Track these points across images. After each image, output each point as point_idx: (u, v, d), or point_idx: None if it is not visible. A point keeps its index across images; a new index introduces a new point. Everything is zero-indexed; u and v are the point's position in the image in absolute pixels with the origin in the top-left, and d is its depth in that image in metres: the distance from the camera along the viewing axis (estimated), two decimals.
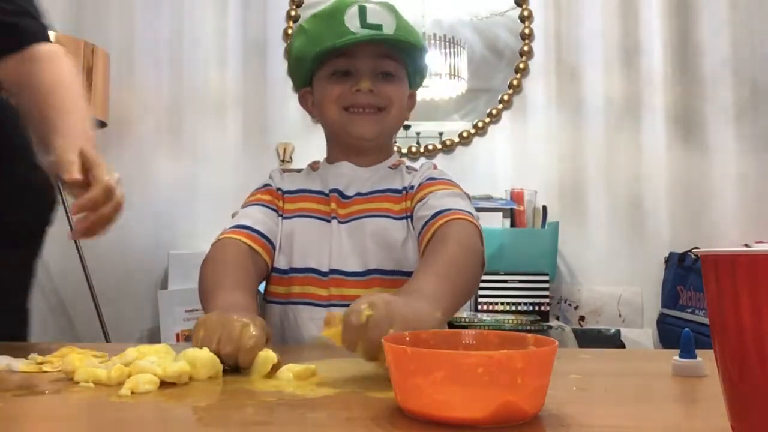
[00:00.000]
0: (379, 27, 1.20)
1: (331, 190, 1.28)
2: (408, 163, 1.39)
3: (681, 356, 0.85)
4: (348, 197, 1.27)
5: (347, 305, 1.19)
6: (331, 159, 1.34)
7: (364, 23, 1.20)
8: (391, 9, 1.23)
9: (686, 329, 0.87)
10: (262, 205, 1.28)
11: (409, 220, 1.24)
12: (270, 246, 1.23)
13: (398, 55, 1.26)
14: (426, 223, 1.16)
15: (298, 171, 1.39)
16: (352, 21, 1.20)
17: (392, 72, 1.25)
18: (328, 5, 1.25)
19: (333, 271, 1.21)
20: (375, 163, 1.32)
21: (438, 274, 1.02)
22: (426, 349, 0.67)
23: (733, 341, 0.49)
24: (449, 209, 1.16)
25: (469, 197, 1.27)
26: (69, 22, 2.90)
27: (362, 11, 1.21)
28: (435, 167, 1.35)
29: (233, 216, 1.28)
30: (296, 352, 1.03)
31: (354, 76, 1.24)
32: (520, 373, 0.59)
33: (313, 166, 1.37)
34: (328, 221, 1.26)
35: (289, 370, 0.81)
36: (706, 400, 0.75)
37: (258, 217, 1.25)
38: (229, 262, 1.17)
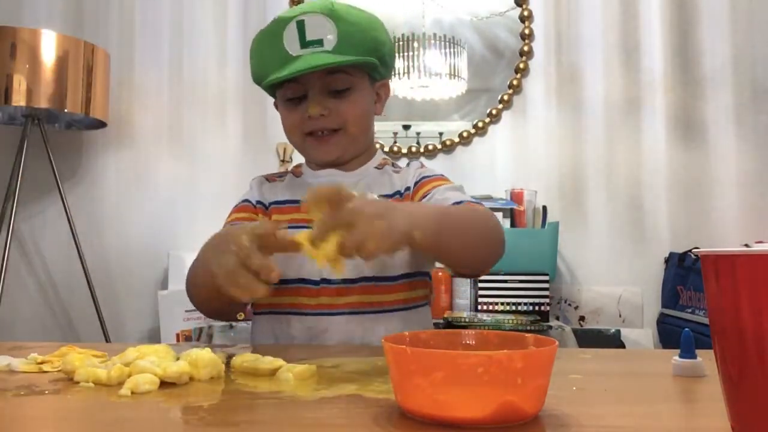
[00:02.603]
0: (319, 42, 1.17)
1: None
2: (392, 161, 1.37)
3: (681, 356, 0.85)
4: None
5: (334, 314, 1.19)
6: (313, 164, 1.33)
7: (303, 41, 1.17)
8: (331, 14, 1.19)
9: (686, 329, 0.87)
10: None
11: None
12: None
13: (349, 65, 1.21)
14: None
15: (281, 175, 1.37)
16: (291, 41, 1.18)
17: (344, 86, 1.22)
18: (272, 21, 1.22)
19: (324, 281, 1.20)
20: (359, 166, 1.31)
21: (435, 209, 1.04)
22: (426, 349, 0.67)
23: (733, 341, 0.50)
24: (461, 201, 1.17)
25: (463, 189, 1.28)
26: (69, 22, 2.90)
27: (300, 27, 1.17)
28: (422, 165, 1.34)
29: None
30: (296, 353, 1.03)
31: (306, 99, 1.22)
32: (520, 373, 0.58)
33: (296, 172, 1.36)
34: None
35: (289, 371, 0.81)
36: (706, 400, 0.75)
37: None
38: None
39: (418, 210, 0.99)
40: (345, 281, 1.20)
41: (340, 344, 1.17)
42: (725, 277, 0.50)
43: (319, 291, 1.20)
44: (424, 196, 1.22)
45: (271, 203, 1.30)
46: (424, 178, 1.27)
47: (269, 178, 1.36)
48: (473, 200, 1.19)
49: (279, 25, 1.20)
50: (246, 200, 1.32)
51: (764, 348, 0.47)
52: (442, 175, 1.29)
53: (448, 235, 1.01)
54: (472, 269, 1.18)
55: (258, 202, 1.30)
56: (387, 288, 1.21)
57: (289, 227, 1.23)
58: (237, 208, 1.31)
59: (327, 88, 1.21)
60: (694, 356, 0.85)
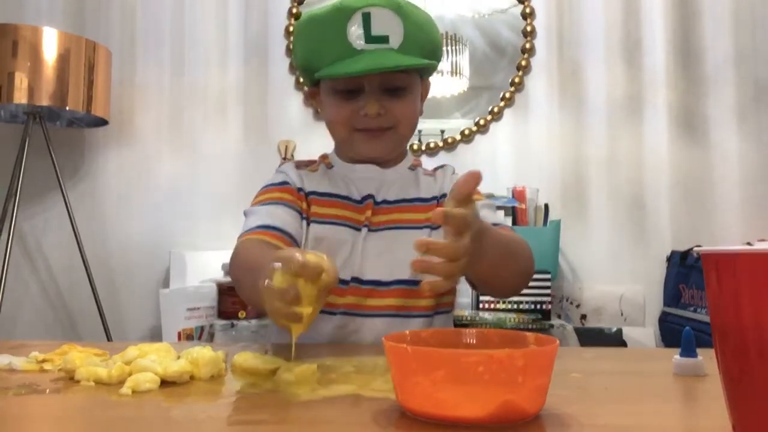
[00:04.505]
0: (385, 39, 1.12)
1: (365, 197, 1.23)
2: (423, 164, 1.35)
3: (682, 355, 0.85)
4: (378, 203, 1.23)
5: (366, 315, 1.17)
6: (346, 157, 1.28)
7: (369, 36, 1.11)
8: (398, 9, 1.14)
9: (687, 328, 0.87)
10: (285, 205, 1.20)
11: (431, 230, 1.20)
12: None
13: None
14: None
15: (309, 164, 1.31)
16: (355, 34, 1.12)
17: (401, 85, 1.18)
18: (329, 6, 1.15)
19: (354, 280, 1.17)
20: (395, 164, 1.28)
21: (499, 238, 0.99)
22: (427, 347, 0.67)
23: (734, 340, 0.49)
24: (498, 224, 1.16)
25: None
26: (71, 19, 2.90)
27: (366, 20, 1.12)
28: (455, 171, 1.31)
29: (246, 214, 1.21)
30: (296, 353, 1.02)
31: (360, 93, 1.17)
32: (521, 371, 0.58)
33: (325, 162, 1.31)
34: (358, 230, 1.20)
35: (289, 370, 0.80)
36: (707, 399, 0.75)
37: (285, 218, 1.17)
38: (256, 246, 1.09)
39: (485, 250, 0.91)
40: (378, 283, 1.17)
41: (373, 345, 1.15)
42: (726, 276, 0.49)
43: (347, 291, 1.16)
44: None
45: (309, 192, 1.24)
46: None
47: (299, 165, 1.30)
48: (506, 225, 1.19)
49: (342, 13, 1.13)
50: (286, 182, 1.25)
51: (765, 347, 0.47)
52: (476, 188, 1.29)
53: (497, 274, 1.02)
54: (501, 295, 1.18)
55: (299, 188, 1.24)
56: (420, 292, 1.19)
57: (330, 222, 1.20)
58: (278, 188, 1.24)
59: (383, 86, 1.17)
60: (694, 355, 0.85)
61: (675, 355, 0.86)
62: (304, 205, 1.23)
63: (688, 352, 0.85)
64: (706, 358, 0.79)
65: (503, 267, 1.02)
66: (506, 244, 1.03)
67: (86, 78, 2.51)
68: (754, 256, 0.47)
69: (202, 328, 2.40)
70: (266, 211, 1.18)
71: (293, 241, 1.15)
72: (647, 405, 0.71)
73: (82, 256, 2.58)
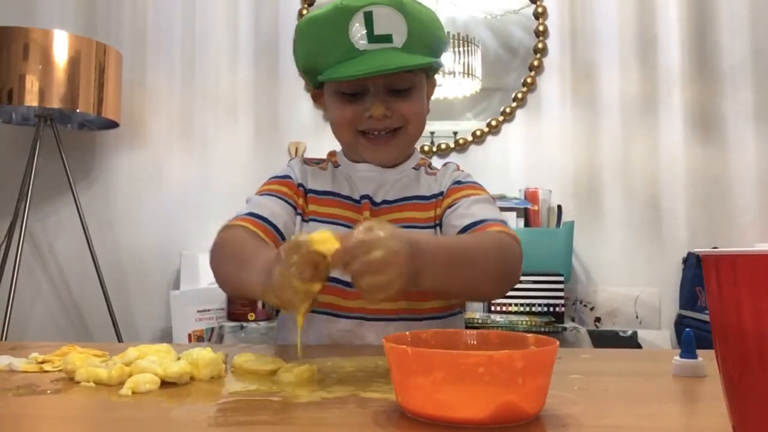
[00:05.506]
0: (388, 38, 1.10)
1: (362, 197, 1.21)
2: (429, 162, 1.33)
3: (682, 356, 0.86)
4: (377, 204, 1.21)
5: (373, 319, 1.15)
6: (352, 156, 1.27)
7: (371, 36, 1.09)
8: (401, 7, 1.12)
9: (687, 329, 0.87)
10: (280, 198, 1.20)
11: (437, 228, 1.20)
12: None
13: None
14: (459, 232, 1.12)
15: (318, 162, 1.30)
16: (357, 34, 1.10)
17: (407, 85, 1.16)
18: (329, 6, 1.13)
19: None
20: (400, 163, 1.26)
21: (446, 252, 0.95)
22: (427, 349, 0.67)
23: (734, 341, 0.49)
24: (484, 220, 1.12)
25: (494, 201, 1.23)
26: (81, 21, 2.92)
27: (368, 19, 1.09)
28: (458, 168, 1.30)
29: (247, 201, 1.21)
30: (297, 353, 1.02)
31: (365, 95, 1.15)
32: (521, 373, 0.58)
33: (332, 160, 1.30)
34: None
35: (289, 371, 0.80)
36: (707, 400, 0.75)
37: (275, 210, 1.17)
38: (247, 240, 1.09)
39: (427, 256, 0.90)
40: None
41: (373, 347, 1.13)
42: (726, 277, 0.49)
43: (350, 294, 1.14)
44: (451, 206, 1.18)
45: (309, 190, 1.23)
46: (456, 183, 1.23)
47: (308, 162, 1.29)
48: (495, 220, 1.13)
49: (343, 13, 1.10)
50: (288, 176, 1.25)
51: (764, 348, 0.47)
52: (476, 183, 1.25)
53: (454, 281, 0.97)
54: (478, 300, 1.14)
55: (300, 185, 1.23)
56: (429, 295, 1.16)
57: (328, 222, 1.19)
58: (278, 180, 1.24)
59: (388, 86, 1.15)
60: (694, 356, 0.85)
61: (675, 356, 0.86)
62: (301, 201, 1.22)
63: (689, 353, 0.85)
64: (706, 359, 0.79)
65: (458, 275, 0.97)
66: (461, 251, 0.99)
67: (97, 80, 2.52)
68: (754, 257, 0.47)
69: (212, 330, 2.40)
70: (259, 202, 1.19)
71: (277, 233, 1.15)
72: (647, 406, 0.71)
73: (93, 258, 2.59)
